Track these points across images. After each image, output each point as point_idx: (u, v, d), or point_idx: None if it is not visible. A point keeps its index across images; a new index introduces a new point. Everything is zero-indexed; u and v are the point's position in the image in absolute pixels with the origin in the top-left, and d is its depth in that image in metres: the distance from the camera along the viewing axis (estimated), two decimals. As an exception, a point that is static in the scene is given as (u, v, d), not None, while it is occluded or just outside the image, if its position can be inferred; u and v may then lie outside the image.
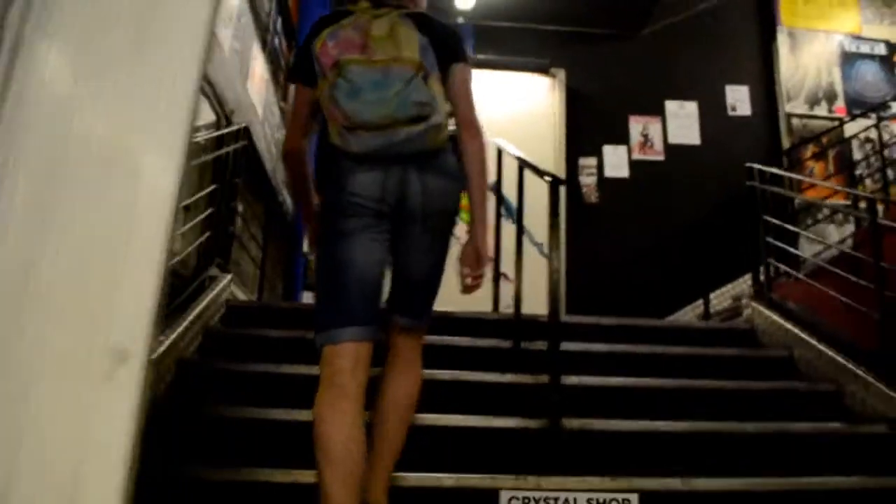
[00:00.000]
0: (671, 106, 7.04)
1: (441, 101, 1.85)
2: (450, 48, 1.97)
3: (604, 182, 6.80)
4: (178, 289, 3.23)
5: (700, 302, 6.10)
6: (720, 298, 6.05)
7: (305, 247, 5.56)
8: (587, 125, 6.88)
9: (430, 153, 1.86)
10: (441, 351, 3.21)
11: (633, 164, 6.88)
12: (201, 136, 3.36)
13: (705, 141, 6.94)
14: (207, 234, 3.51)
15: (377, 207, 1.84)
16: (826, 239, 5.83)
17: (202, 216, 3.47)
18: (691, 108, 7.05)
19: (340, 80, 1.76)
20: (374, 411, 1.92)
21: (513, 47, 7.03)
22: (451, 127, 1.98)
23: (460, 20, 7.75)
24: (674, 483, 2.29)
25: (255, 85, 4.61)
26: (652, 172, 6.83)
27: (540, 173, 3.09)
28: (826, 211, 6.18)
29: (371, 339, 1.82)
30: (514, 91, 6.99)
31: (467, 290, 1.97)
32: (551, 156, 6.66)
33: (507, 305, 4.64)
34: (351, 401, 1.72)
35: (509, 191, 4.35)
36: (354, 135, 1.78)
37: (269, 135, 5.15)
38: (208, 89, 3.57)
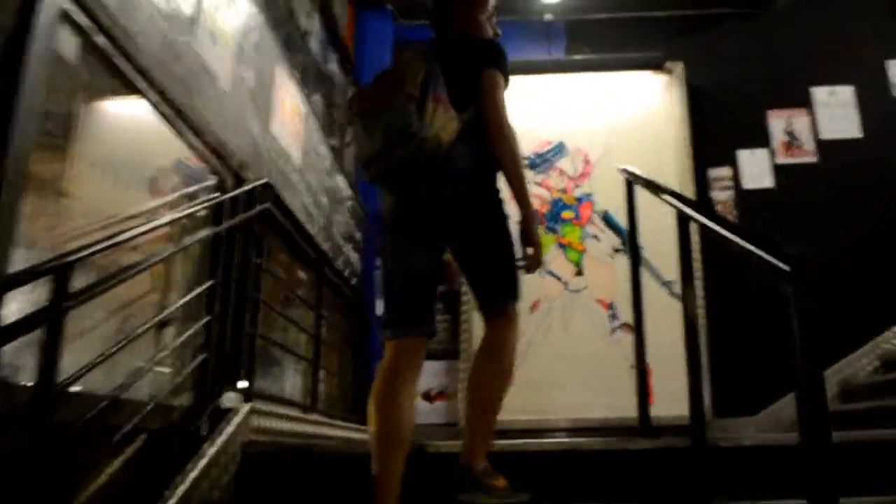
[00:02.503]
0: (819, 93, 5.74)
1: (438, 118, 1.97)
2: (474, 61, 2.13)
3: (742, 195, 5.56)
4: (154, 452, 2.11)
5: (872, 345, 4.86)
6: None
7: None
8: (716, 128, 5.68)
9: (434, 161, 1.97)
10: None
11: (778, 170, 5.62)
12: (174, 216, 2.21)
13: (868, 132, 5.60)
14: (203, 356, 2.36)
15: (402, 220, 2.07)
16: None
17: (192, 331, 2.33)
18: (845, 93, 5.74)
19: (355, 126, 2.04)
20: (468, 386, 2.12)
21: (615, 42, 6.00)
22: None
23: (548, 17, 6.60)
24: None
25: (284, 123, 3.48)
26: (803, 178, 5.54)
27: (724, 237, 1.74)
28: None
29: (418, 335, 2.06)
30: (621, 94, 5.87)
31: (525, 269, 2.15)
32: (673, 169, 5.49)
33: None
34: (395, 384, 2.00)
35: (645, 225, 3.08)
36: (366, 166, 2.04)
37: (314, 184, 4.00)
38: (192, 138, 2.45)
